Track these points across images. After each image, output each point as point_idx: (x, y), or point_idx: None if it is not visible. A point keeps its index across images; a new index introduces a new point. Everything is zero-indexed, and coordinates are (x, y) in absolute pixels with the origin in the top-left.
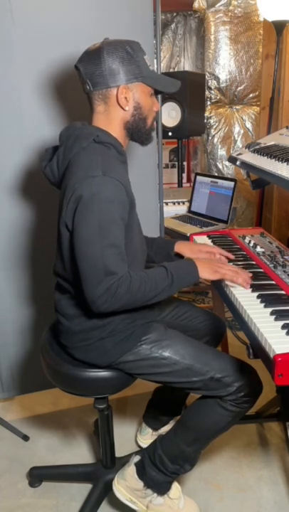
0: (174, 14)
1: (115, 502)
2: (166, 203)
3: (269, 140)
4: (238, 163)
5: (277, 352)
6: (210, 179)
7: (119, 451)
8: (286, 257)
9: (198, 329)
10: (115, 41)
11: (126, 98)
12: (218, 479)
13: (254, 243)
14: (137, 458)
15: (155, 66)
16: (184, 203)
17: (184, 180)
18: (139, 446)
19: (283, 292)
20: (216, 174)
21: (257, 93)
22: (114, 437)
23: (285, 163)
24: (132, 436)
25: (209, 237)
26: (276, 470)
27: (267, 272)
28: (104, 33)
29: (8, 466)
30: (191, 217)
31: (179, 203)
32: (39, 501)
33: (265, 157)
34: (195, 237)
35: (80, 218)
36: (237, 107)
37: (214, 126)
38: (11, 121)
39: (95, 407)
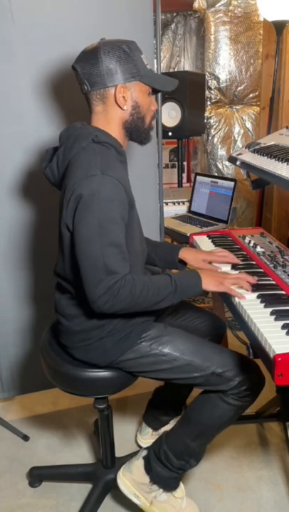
0: (174, 14)
1: (115, 502)
2: (166, 203)
3: (269, 140)
4: (238, 163)
5: (277, 352)
6: (210, 179)
7: (119, 451)
8: (286, 257)
9: (199, 329)
10: (112, 41)
11: (124, 97)
12: (218, 479)
13: (254, 243)
14: (145, 452)
15: (155, 66)
16: (184, 203)
17: (184, 180)
18: (139, 446)
19: (283, 292)
20: (216, 174)
21: (257, 93)
22: (114, 437)
23: (285, 163)
24: (132, 436)
25: (209, 237)
26: (276, 470)
27: (267, 272)
28: (104, 33)
29: (8, 466)
30: (191, 217)
31: (179, 203)
32: (39, 501)
33: (265, 157)
34: (195, 237)
35: (80, 218)
36: (237, 107)
37: (214, 126)
38: (11, 121)
39: (95, 407)
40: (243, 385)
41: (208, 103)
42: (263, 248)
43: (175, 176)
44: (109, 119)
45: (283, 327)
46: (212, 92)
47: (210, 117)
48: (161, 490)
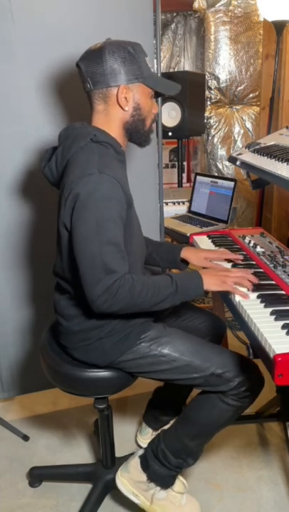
0: (174, 14)
1: (115, 502)
2: (166, 203)
3: (269, 140)
4: (238, 163)
5: (277, 352)
6: (210, 179)
7: (119, 451)
8: (286, 257)
9: (199, 329)
10: (117, 41)
11: (126, 98)
12: (218, 479)
13: (254, 243)
14: (141, 451)
15: (155, 66)
16: (184, 203)
17: (184, 180)
18: (139, 446)
19: (283, 292)
20: (216, 174)
21: (257, 93)
22: (114, 437)
23: (285, 163)
24: (132, 436)
25: (209, 237)
26: (276, 470)
27: (267, 272)
28: (104, 33)
29: (8, 466)
30: (191, 217)
31: (179, 203)
32: (39, 501)
33: (265, 157)
34: (195, 237)
35: (78, 216)
36: (237, 107)
37: (214, 126)
38: (11, 121)
39: (95, 407)
40: (243, 385)
41: (208, 103)
42: (263, 248)
43: (175, 176)
44: (110, 118)
45: (283, 327)
46: (212, 92)
47: (210, 117)
48: (158, 488)
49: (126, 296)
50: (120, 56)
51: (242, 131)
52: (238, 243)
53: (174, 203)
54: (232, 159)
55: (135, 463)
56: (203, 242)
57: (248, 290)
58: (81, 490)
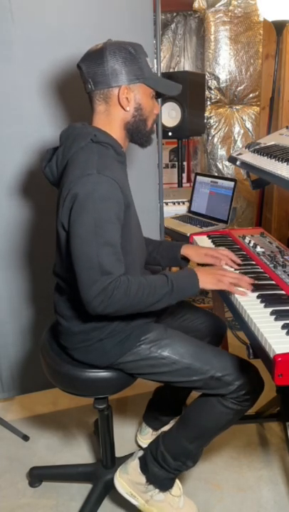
0: (174, 14)
1: (115, 502)
2: (166, 203)
3: (269, 140)
4: (238, 163)
5: (277, 352)
6: (210, 179)
7: (119, 451)
8: (286, 257)
9: (199, 330)
10: (118, 42)
11: (127, 98)
12: (218, 479)
13: (254, 243)
14: (140, 452)
15: (155, 66)
16: (184, 203)
17: (184, 180)
18: (139, 446)
19: (283, 292)
20: (216, 174)
21: (257, 93)
22: (114, 437)
23: (285, 163)
24: (132, 436)
25: (209, 237)
26: (276, 470)
27: (267, 272)
28: (104, 33)
29: (8, 466)
30: (191, 217)
31: (179, 203)
32: (39, 501)
33: (265, 157)
34: (195, 237)
35: (76, 217)
36: (237, 107)
37: (214, 126)
38: (11, 121)
39: (94, 407)
40: (243, 389)
41: (208, 103)
42: (263, 248)
43: (175, 176)
44: (111, 119)
45: (283, 327)
46: (212, 92)
47: (210, 117)
48: (157, 490)
49: (121, 298)
50: (121, 56)
51: (242, 131)
52: (238, 243)
53: (174, 203)
54: (232, 159)
55: (135, 464)
56: (203, 242)
57: (247, 290)
58: (81, 490)
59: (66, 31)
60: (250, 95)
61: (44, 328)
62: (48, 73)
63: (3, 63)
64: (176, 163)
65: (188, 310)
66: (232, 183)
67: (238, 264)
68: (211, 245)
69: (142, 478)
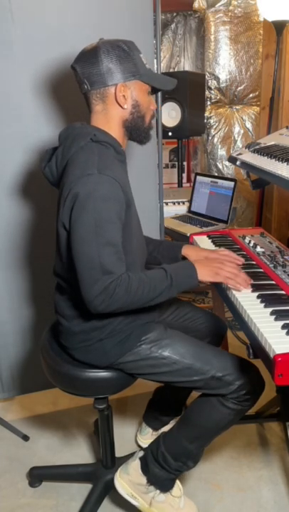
0: (174, 14)
1: (115, 502)
2: (166, 203)
3: (269, 140)
4: (238, 163)
5: (277, 352)
6: (210, 179)
7: (119, 451)
8: (286, 257)
9: (199, 330)
10: (111, 40)
11: (124, 96)
12: (218, 479)
13: (254, 243)
14: (141, 453)
15: (155, 66)
16: (184, 203)
17: (184, 180)
18: (139, 446)
19: (283, 292)
20: (216, 174)
21: (257, 93)
22: (114, 437)
23: (285, 163)
24: (132, 436)
25: (209, 237)
26: (276, 470)
27: (267, 272)
28: (104, 33)
29: (8, 466)
30: (191, 217)
31: (179, 203)
32: (39, 501)
33: (265, 157)
34: (195, 237)
35: (76, 217)
36: (237, 107)
37: (214, 126)
38: (11, 121)
39: (94, 407)
40: (243, 389)
41: (208, 103)
42: (263, 248)
43: (175, 176)
44: (109, 118)
45: (283, 327)
46: (212, 92)
47: (210, 117)
48: (158, 491)
49: (123, 296)
50: (115, 54)
51: (242, 131)
52: (238, 243)
53: (174, 203)
54: (232, 159)
55: (136, 465)
56: (203, 242)
57: (243, 286)
58: (81, 490)
59: (66, 31)
60: (250, 95)
61: (44, 328)
62: (48, 73)
63: (3, 63)
64: (176, 163)
65: (188, 310)
66: (232, 183)
67: (241, 264)
68: (211, 245)
69: (143, 479)
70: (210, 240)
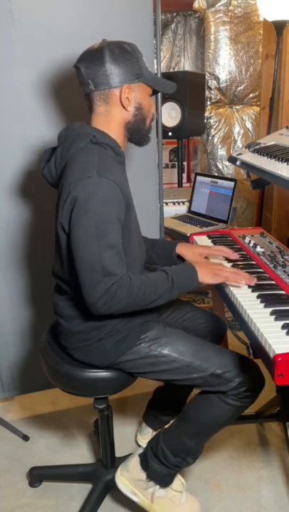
0: (174, 14)
1: (115, 502)
2: (166, 203)
3: (269, 140)
4: (238, 163)
5: (277, 352)
6: (210, 179)
7: (119, 451)
8: (286, 257)
9: (199, 330)
10: (116, 42)
11: (128, 98)
12: (218, 479)
13: (254, 243)
14: (140, 449)
15: (155, 66)
16: (184, 203)
17: (184, 180)
18: (140, 446)
19: (283, 292)
20: (216, 174)
21: (257, 93)
22: (114, 437)
23: (285, 163)
24: (132, 436)
25: (209, 237)
26: (276, 470)
27: (267, 272)
28: (104, 33)
29: (8, 466)
30: (191, 217)
31: (179, 203)
32: (39, 501)
33: (265, 157)
34: (195, 237)
35: (77, 220)
36: (237, 107)
37: (214, 126)
38: (11, 121)
39: (94, 407)
40: (243, 386)
41: (208, 103)
42: (263, 248)
43: (175, 176)
44: (111, 119)
45: (283, 327)
46: (212, 92)
47: (210, 117)
48: (157, 486)
49: (124, 297)
50: (121, 56)
51: (242, 131)
52: (238, 243)
53: (174, 203)
54: (232, 159)
55: (135, 461)
56: (203, 242)
57: (243, 284)
58: (81, 490)
59: (66, 31)
60: (250, 95)
61: (44, 329)
62: (48, 73)
63: (3, 63)
64: (176, 163)
65: (188, 310)
66: (232, 183)
67: (235, 260)
68: (211, 245)
69: (143, 475)
70: (210, 240)
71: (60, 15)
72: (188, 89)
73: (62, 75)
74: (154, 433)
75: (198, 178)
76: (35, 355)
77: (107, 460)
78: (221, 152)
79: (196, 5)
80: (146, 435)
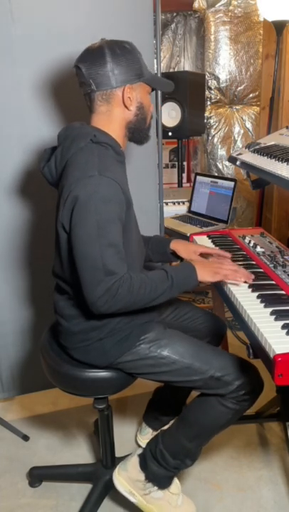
0: (174, 14)
1: (115, 502)
2: (166, 203)
3: (269, 140)
4: (238, 163)
5: (277, 352)
6: (210, 179)
7: (119, 451)
8: (286, 257)
9: (199, 330)
10: (116, 41)
11: (130, 98)
12: (218, 479)
13: (254, 243)
14: (140, 450)
15: (155, 66)
16: (184, 203)
17: (184, 180)
18: (139, 446)
19: (283, 292)
20: (216, 174)
21: (257, 93)
22: (114, 437)
23: (285, 163)
24: (132, 436)
25: (209, 237)
26: (276, 470)
27: (267, 272)
28: (103, 33)
29: (8, 466)
30: (191, 217)
31: (179, 203)
32: (39, 501)
33: (265, 157)
34: (195, 237)
35: (78, 219)
36: (237, 107)
37: (214, 126)
38: (11, 121)
39: (94, 407)
40: (242, 389)
41: (208, 103)
42: (263, 248)
43: (175, 176)
44: (112, 119)
45: (283, 327)
46: (212, 92)
47: (210, 117)
48: (156, 487)
49: (125, 296)
50: (122, 56)
51: (242, 131)
52: (238, 243)
53: (174, 203)
54: (232, 159)
55: (134, 462)
56: (203, 242)
57: (242, 282)
58: (81, 490)
59: (66, 31)
60: (250, 95)
61: (44, 328)
62: (48, 73)
63: (3, 63)
64: (176, 163)
65: (188, 310)
66: (232, 183)
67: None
68: (211, 245)
69: (141, 476)
70: (210, 240)
71: (60, 15)
72: (188, 89)
73: (62, 75)
74: (154, 433)
75: (198, 178)
76: (35, 355)
77: (107, 460)
78: (221, 152)
79: (196, 5)
80: (146, 435)
